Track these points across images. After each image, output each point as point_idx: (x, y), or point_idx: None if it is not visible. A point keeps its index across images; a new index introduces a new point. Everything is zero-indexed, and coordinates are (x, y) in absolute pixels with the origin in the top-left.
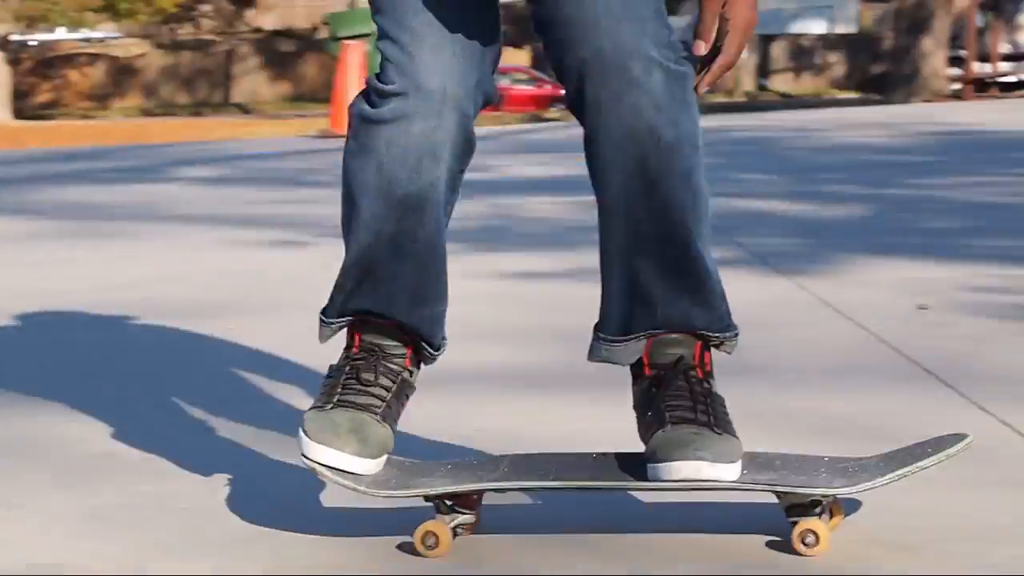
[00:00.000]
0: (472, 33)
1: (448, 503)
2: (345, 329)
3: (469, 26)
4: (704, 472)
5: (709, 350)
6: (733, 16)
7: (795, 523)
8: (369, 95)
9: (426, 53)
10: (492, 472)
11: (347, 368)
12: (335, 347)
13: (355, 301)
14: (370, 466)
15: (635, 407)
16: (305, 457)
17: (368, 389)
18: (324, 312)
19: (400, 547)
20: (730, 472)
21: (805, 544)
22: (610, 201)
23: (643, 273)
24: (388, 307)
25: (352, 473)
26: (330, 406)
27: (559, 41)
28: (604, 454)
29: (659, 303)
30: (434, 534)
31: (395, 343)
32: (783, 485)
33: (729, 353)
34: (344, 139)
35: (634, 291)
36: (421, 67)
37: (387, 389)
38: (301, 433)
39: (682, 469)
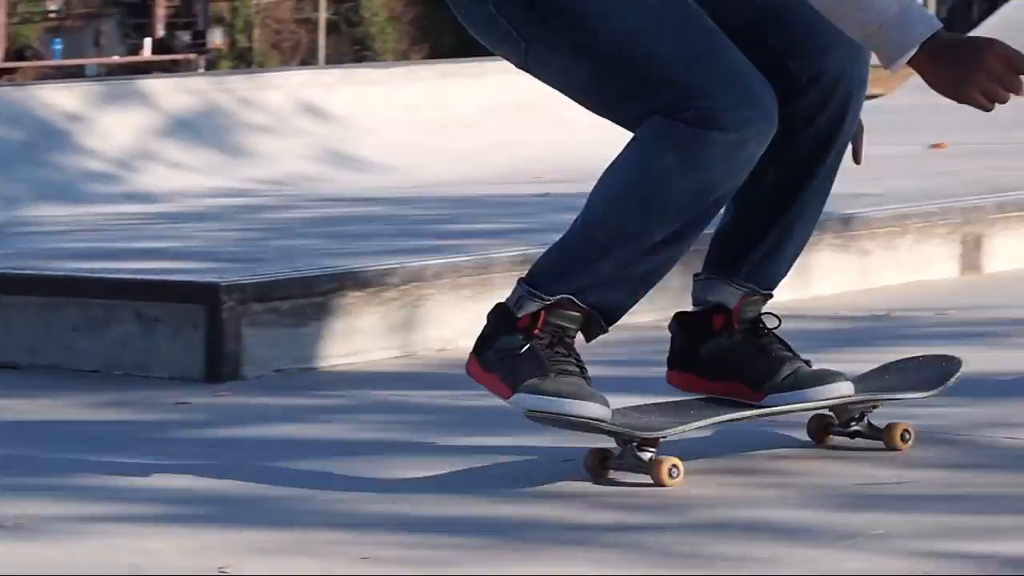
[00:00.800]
0: None
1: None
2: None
3: None
4: (851, 389)
5: None
6: None
7: (883, 426)
8: (701, 116)
9: (756, 79)
10: (691, 411)
11: (538, 345)
12: None
13: (596, 294)
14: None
15: (719, 356)
16: (571, 416)
17: (569, 359)
18: (540, 287)
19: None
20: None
21: (904, 440)
22: (816, 180)
23: (791, 241)
24: (623, 298)
25: (606, 422)
26: (553, 374)
27: (808, 44)
28: (698, 399)
29: (781, 266)
30: (676, 466)
31: (575, 325)
32: (894, 393)
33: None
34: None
35: (773, 253)
36: (762, 95)
37: (577, 359)
38: (552, 399)
39: (841, 388)
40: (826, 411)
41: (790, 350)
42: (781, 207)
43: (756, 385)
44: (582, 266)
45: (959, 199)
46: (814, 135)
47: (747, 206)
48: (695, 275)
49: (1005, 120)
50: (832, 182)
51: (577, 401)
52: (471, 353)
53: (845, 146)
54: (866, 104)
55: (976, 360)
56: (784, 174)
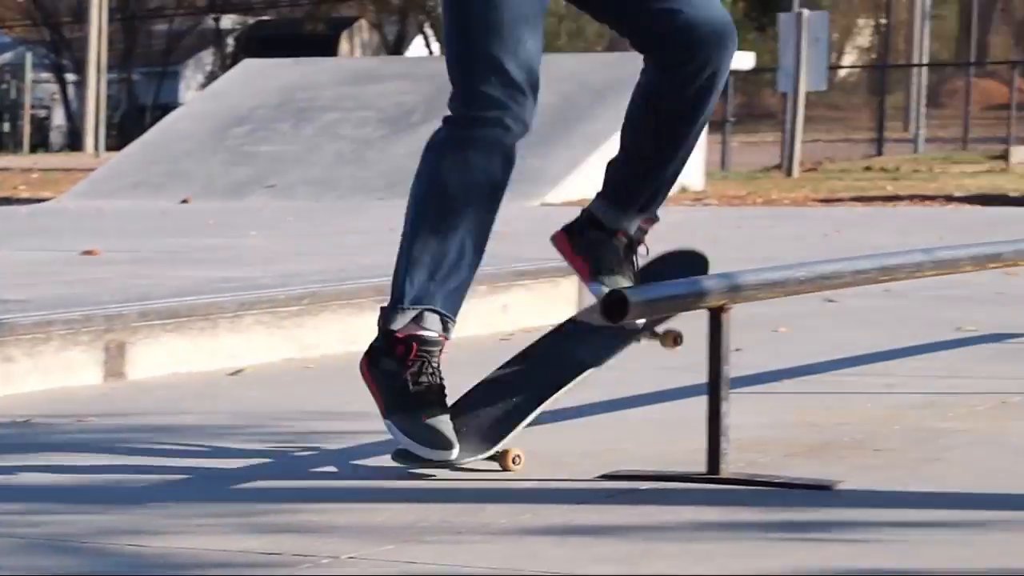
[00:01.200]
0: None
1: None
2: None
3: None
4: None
5: None
6: None
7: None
8: (463, 119)
9: (523, 91)
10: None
11: (409, 379)
12: None
13: (442, 294)
14: None
15: (594, 243)
16: (426, 459)
17: (432, 385)
18: (403, 300)
19: None
20: None
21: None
22: (696, 127)
23: (672, 173)
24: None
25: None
26: (421, 414)
27: (682, 13)
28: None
29: (662, 196)
30: (519, 455)
31: (438, 348)
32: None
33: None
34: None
35: (663, 184)
36: (523, 105)
37: (440, 382)
38: (412, 443)
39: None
40: None
41: (635, 274)
42: (664, 156)
43: (593, 276)
44: (414, 263)
45: (104, 306)
46: (687, 97)
47: (634, 155)
48: (599, 194)
49: (152, 230)
50: (699, 134)
51: (431, 449)
52: (365, 354)
53: (709, 112)
54: (30, 208)
55: (122, 465)
56: (663, 127)
